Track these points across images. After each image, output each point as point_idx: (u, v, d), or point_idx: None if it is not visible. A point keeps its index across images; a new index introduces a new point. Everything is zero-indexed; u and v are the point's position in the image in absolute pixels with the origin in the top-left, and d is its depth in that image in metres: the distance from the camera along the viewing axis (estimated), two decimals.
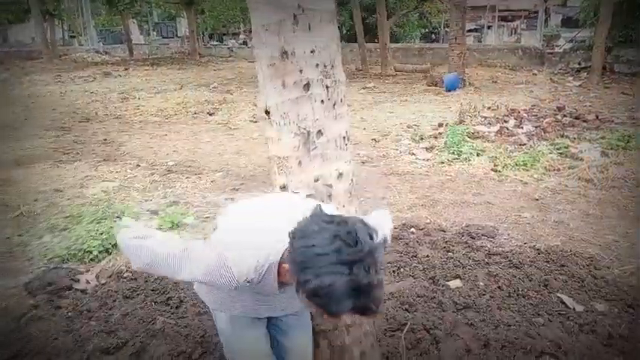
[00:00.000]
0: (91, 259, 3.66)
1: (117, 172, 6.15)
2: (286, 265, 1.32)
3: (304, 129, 1.54)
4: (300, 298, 1.25)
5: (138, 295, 3.23)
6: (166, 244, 1.49)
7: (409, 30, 23.08)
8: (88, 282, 3.34)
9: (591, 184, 5.15)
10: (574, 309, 2.92)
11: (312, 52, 1.50)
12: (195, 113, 10.27)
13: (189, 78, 16.53)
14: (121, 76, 17.62)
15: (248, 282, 1.38)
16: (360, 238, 1.19)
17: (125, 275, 3.49)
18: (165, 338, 2.76)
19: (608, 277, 3.28)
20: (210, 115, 10.05)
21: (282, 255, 1.37)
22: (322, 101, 1.54)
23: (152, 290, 3.27)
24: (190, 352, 2.63)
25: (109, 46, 31.61)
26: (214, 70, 19.37)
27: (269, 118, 1.59)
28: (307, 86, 1.52)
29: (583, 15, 14.67)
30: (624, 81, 12.46)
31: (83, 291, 3.28)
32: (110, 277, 3.47)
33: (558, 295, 3.06)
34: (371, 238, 1.22)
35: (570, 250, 3.67)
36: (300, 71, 1.50)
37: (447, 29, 23.16)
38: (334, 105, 1.57)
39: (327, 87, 1.54)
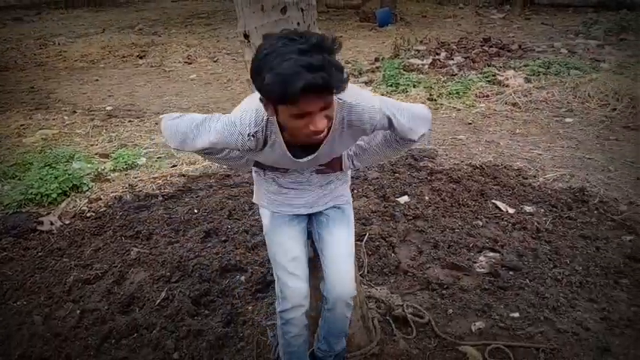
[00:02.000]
0: (50, 202, 3.68)
1: (53, 119, 5.98)
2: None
3: None
4: (266, 108, 1.34)
5: (106, 231, 3.33)
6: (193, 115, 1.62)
7: None
8: (51, 223, 3.39)
9: (517, 107, 5.61)
10: (507, 211, 3.34)
11: None
12: (124, 57, 9.89)
13: (111, 20, 15.62)
14: (33, 21, 16.35)
15: (253, 136, 1.46)
16: (308, 35, 1.24)
17: (88, 215, 3.57)
18: (143, 265, 2.92)
19: (534, 185, 3.74)
20: (141, 58, 9.72)
21: None
22: (298, 23, 1.69)
23: (119, 226, 3.37)
24: (169, 275, 2.80)
25: None
26: (136, 11, 18.34)
27: (248, 42, 1.73)
28: (284, 10, 1.66)
29: None
30: (544, 12, 13.10)
31: (48, 232, 3.33)
32: (74, 217, 3.52)
33: (493, 201, 3.47)
34: (323, 41, 1.23)
35: (501, 164, 4.10)
36: None
37: None
38: (309, 27, 1.72)
39: (302, 10, 1.69)
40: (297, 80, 1.17)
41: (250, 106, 1.49)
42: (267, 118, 1.45)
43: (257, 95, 1.36)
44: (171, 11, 17.72)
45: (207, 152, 1.68)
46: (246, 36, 1.73)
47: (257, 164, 1.79)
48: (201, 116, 1.58)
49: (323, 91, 1.24)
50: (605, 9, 12.47)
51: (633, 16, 10.06)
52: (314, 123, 1.30)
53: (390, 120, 1.55)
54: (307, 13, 1.72)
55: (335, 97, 1.36)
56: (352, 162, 1.82)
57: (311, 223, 1.89)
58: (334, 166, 1.78)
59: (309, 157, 1.56)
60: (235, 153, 1.72)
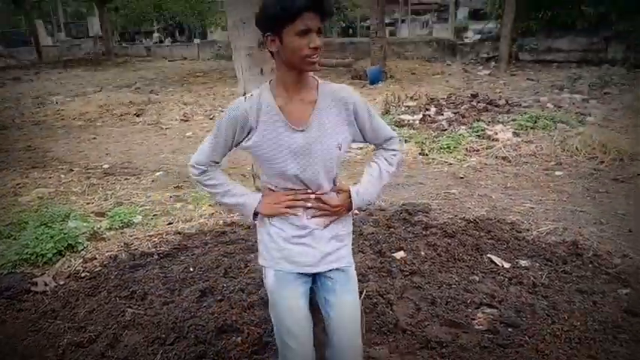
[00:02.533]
0: (45, 262, 3.65)
1: (49, 177, 6.02)
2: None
3: None
4: (271, 44, 1.57)
5: (100, 292, 3.30)
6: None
7: (329, 25, 23.59)
8: (46, 284, 3.36)
9: (507, 161, 5.73)
10: (503, 266, 3.36)
11: None
12: (121, 115, 10.08)
13: (108, 79, 16.01)
14: (32, 80, 16.75)
15: (251, 95, 1.66)
16: None
17: (83, 275, 3.54)
18: (137, 327, 2.87)
19: (528, 238, 3.77)
20: (138, 116, 9.91)
21: (270, 83, 1.69)
22: None
23: (114, 286, 3.34)
24: (164, 337, 2.76)
25: (12, 49, 29.67)
26: (133, 70, 18.84)
27: None
28: None
29: (489, 8, 15.76)
30: (528, 68, 13.60)
31: (43, 293, 3.29)
32: (68, 277, 3.50)
33: (488, 256, 3.49)
34: None
35: (495, 218, 4.15)
36: None
37: (362, 23, 23.91)
38: None
39: None
40: None
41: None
42: (261, 87, 1.67)
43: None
44: (168, 70, 18.20)
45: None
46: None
47: (257, 215, 1.84)
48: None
49: (320, 9, 1.53)
50: (588, 64, 12.96)
51: (615, 70, 10.45)
52: (313, 40, 1.53)
53: (369, 113, 1.77)
54: None
55: (320, 81, 1.70)
56: (357, 193, 1.83)
57: (315, 285, 1.89)
58: (335, 200, 1.79)
59: (312, 124, 1.68)
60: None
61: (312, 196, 1.77)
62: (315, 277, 1.87)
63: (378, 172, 1.88)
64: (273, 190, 1.81)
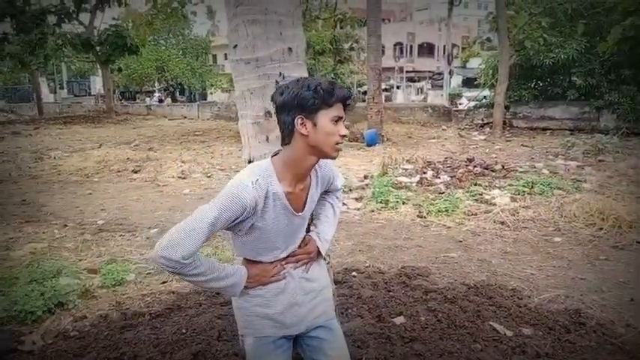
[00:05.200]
0: (34, 320, 3.53)
1: (43, 232, 5.94)
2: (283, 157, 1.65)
3: None
4: (302, 127, 1.59)
5: (89, 352, 3.17)
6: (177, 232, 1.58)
7: None
8: (33, 343, 3.23)
9: (505, 226, 5.72)
10: (505, 334, 3.26)
11: None
12: (119, 171, 10.11)
13: (108, 136, 16.21)
14: (31, 135, 16.93)
15: (256, 182, 1.59)
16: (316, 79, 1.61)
17: (72, 334, 3.41)
18: None
19: (530, 305, 3.70)
20: (135, 172, 9.94)
21: (273, 164, 1.66)
22: None
23: (103, 347, 3.22)
24: None
25: (14, 104, 30.20)
26: (133, 128, 19.13)
27: None
28: None
29: (483, 77, 16.31)
30: (522, 134, 13.90)
31: (30, 352, 3.17)
32: (57, 336, 3.37)
33: (490, 323, 3.41)
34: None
35: (495, 284, 4.08)
36: None
37: (359, 89, 24.61)
38: None
39: None
40: (340, 89, 1.61)
41: (243, 172, 1.64)
42: (265, 170, 1.64)
43: (245, 171, 1.64)
44: (167, 129, 18.49)
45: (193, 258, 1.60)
46: (250, 162, 1.82)
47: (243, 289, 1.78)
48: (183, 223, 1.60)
49: (348, 105, 1.65)
50: (581, 132, 13.26)
51: (608, 139, 10.67)
52: (342, 129, 1.62)
53: (335, 178, 1.91)
54: None
55: None
56: (319, 238, 1.91)
57: (300, 348, 1.88)
58: (310, 247, 1.86)
59: (307, 208, 1.75)
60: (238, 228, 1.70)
61: (293, 259, 1.83)
62: (298, 341, 1.86)
63: (332, 212, 1.99)
64: (253, 261, 1.79)
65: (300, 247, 1.85)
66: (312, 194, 1.78)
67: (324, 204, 1.99)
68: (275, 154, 1.70)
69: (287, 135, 1.63)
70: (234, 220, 1.60)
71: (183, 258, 1.53)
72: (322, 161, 1.76)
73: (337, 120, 1.61)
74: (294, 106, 1.58)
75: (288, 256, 1.82)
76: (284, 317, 1.79)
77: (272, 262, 1.78)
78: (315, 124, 1.59)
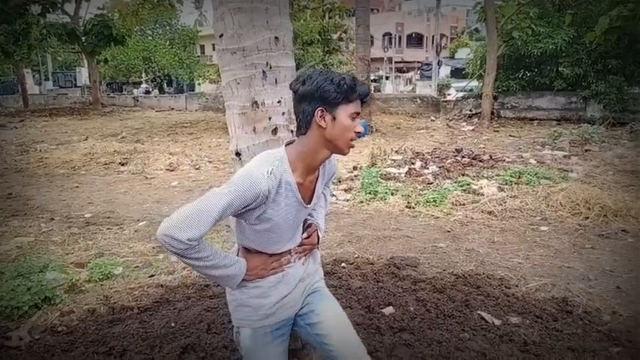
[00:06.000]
0: (21, 316, 3.49)
1: (30, 226, 5.87)
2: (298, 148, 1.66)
3: None
4: (321, 119, 1.59)
5: (77, 347, 3.15)
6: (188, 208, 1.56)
7: None
8: (20, 338, 3.19)
9: (493, 216, 5.75)
10: (493, 323, 3.29)
11: (279, 102, 1.74)
12: (106, 164, 10.00)
13: (94, 128, 16.03)
14: (16, 127, 16.69)
15: (270, 172, 1.57)
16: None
17: (60, 329, 3.38)
18: None
19: (517, 294, 3.73)
20: (123, 165, 9.83)
21: (287, 154, 1.65)
22: None
23: (91, 342, 3.19)
24: None
25: None
26: (120, 119, 18.93)
27: (240, 159, 1.79)
28: (275, 131, 1.76)
29: (471, 68, 16.34)
30: (510, 124, 13.97)
31: (16, 348, 3.13)
32: (44, 332, 3.34)
33: (478, 312, 3.43)
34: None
35: (483, 273, 4.11)
36: (269, 118, 1.73)
37: None
38: None
39: (291, 131, 1.79)
40: (362, 86, 1.62)
41: (258, 159, 1.63)
42: (279, 159, 1.63)
43: (258, 159, 1.63)
44: (155, 120, 18.32)
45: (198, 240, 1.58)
46: (237, 154, 1.80)
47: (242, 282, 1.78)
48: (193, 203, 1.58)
49: (365, 102, 1.67)
50: (567, 122, 13.36)
51: (594, 129, 10.76)
52: (358, 125, 1.64)
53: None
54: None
55: None
56: (321, 230, 1.97)
57: (295, 325, 1.91)
58: (314, 237, 1.90)
59: (314, 199, 1.77)
60: (248, 215, 1.68)
61: (301, 249, 1.85)
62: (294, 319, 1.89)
63: (324, 202, 2.02)
64: (253, 253, 1.78)
65: (302, 237, 1.88)
66: (318, 187, 1.80)
67: (319, 195, 2.01)
68: (288, 144, 1.70)
69: (304, 125, 1.63)
70: (245, 207, 1.59)
71: (189, 239, 1.51)
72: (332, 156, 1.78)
73: (355, 116, 1.63)
74: (315, 98, 1.58)
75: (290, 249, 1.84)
76: (281, 305, 1.80)
77: (272, 255, 1.78)
78: (334, 118, 1.60)
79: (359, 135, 1.67)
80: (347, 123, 1.61)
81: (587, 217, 5.51)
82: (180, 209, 1.54)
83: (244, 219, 1.67)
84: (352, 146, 1.67)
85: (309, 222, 1.91)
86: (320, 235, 1.94)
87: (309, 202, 1.76)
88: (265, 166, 1.59)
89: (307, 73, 1.61)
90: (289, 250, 1.81)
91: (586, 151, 9.45)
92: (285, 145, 1.69)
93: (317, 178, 1.77)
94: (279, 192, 1.61)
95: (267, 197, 1.58)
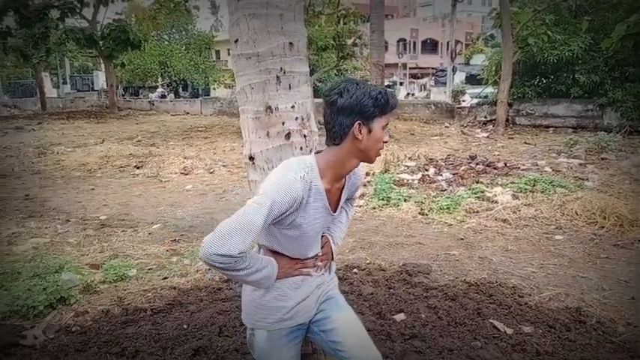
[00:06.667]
0: (36, 315, 3.55)
1: (46, 227, 5.96)
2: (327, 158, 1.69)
3: None
4: (358, 132, 1.63)
5: (90, 347, 3.19)
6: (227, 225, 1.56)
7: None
8: (35, 337, 3.24)
9: (507, 224, 5.71)
10: (505, 332, 3.27)
11: (292, 107, 1.76)
12: (122, 167, 10.12)
13: (111, 132, 16.22)
14: (34, 130, 16.94)
15: (302, 177, 1.61)
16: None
17: (74, 329, 3.43)
18: None
19: (530, 303, 3.70)
20: (138, 168, 9.94)
21: (316, 162, 1.68)
22: (301, 148, 1.80)
23: (104, 342, 3.23)
24: None
25: (17, 99, 30.30)
26: (136, 123, 19.13)
27: (253, 164, 1.81)
28: (288, 135, 1.77)
29: (486, 74, 16.25)
30: (525, 132, 13.84)
31: (31, 347, 3.18)
32: (58, 331, 3.39)
33: (490, 321, 3.41)
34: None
35: (496, 282, 4.08)
36: (283, 123, 1.75)
37: None
38: (310, 151, 1.83)
39: (304, 136, 1.80)
40: (393, 98, 1.68)
41: (287, 165, 1.67)
42: (309, 165, 1.66)
43: (287, 165, 1.67)
44: (170, 124, 18.49)
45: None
46: (251, 158, 1.82)
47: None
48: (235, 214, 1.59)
49: (392, 115, 1.72)
50: (584, 130, 13.21)
51: (611, 137, 10.62)
52: (386, 136, 1.71)
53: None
54: (309, 139, 1.83)
55: None
56: (333, 241, 1.99)
57: (309, 334, 1.93)
58: (327, 248, 1.92)
59: (339, 208, 1.81)
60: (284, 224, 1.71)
61: (321, 263, 1.90)
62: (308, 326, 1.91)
63: (345, 217, 2.06)
64: (278, 254, 1.81)
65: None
66: (343, 196, 1.84)
67: (340, 210, 2.02)
68: (317, 152, 1.74)
69: (339, 136, 1.66)
70: (282, 214, 1.61)
71: (239, 253, 1.52)
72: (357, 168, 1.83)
73: (385, 127, 1.70)
74: (355, 111, 1.62)
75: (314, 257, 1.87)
76: (297, 310, 1.83)
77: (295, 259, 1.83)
78: (370, 131, 1.65)
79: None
80: (379, 135, 1.67)
81: (603, 227, 5.44)
82: (222, 226, 1.54)
83: (275, 225, 1.69)
84: (380, 155, 1.73)
85: (324, 238, 1.94)
86: (333, 249, 1.97)
87: (334, 211, 1.79)
88: (298, 172, 1.63)
89: (342, 84, 1.65)
90: (315, 256, 1.86)
91: (602, 159, 9.34)
92: (315, 154, 1.73)
93: (343, 187, 1.81)
94: (309, 199, 1.65)
95: (300, 203, 1.62)
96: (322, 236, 1.93)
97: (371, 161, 1.73)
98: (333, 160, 1.68)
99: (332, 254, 1.96)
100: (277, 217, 1.61)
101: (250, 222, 1.52)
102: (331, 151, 1.69)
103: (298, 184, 1.59)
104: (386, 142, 1.71)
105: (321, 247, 1.91)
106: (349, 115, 1.62)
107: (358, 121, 1.62)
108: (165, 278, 4.34)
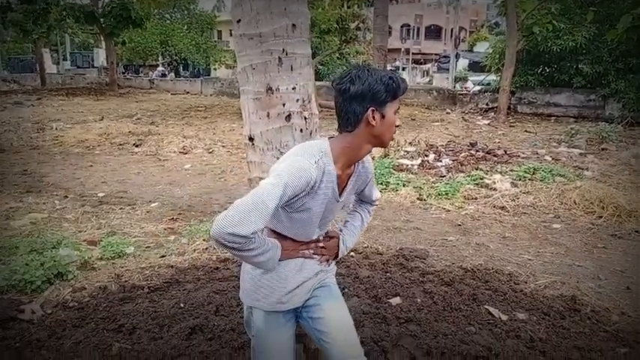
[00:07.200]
0: (33, 290, 3.56)
1: (44, 203, 5.96)
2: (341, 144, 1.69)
3: (285, 154, 1.77)
4: (372, 118, 1.63)
5: (87, 323, 3.21)
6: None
7: (332, 68, 24.10)
8: (33, 312, 3.26)
9: (505, 211, 5.72)
10: (500, 318, 3.29)
11: (293, 88, 1.75)
12: (120, 144, 10.10)
13: (110, 109, 16.14)
14: (33, 105, 16.86)
15: (316, 162, 1.61)
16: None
17: (71, 305, 3.45)
18: None
19: (526, 290, 3.72)
20: (137, 146, 9.92)
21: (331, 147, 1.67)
22: (301, 130, 1.78)
23: (102, 318, 3.25)
24: None
25: (17, 74, 30.11)
26: (136, 101, 19.03)
27: (253, 144, 1.80)
28: (289, 117, 1.76)
29: (489, 62, 16.13)
30: (526, 120, 13.81)
31: (29, 321, 3.20)
32: (56, 306, 3.40)
33: (485, 307, 3.43)
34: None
35: (492, 268, 4.10)
36: (283, 105, 1.74)
37: None
38: (310, 133, 1.82)
39: (305, 118, 1.79)
40: (404, 82, 1.68)
41: (302, 150, 1.66)
42: (323, 151, 1.66)
43: (301, 149, 1.66)
44: (170, 103, 18.40)
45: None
46: (251, 139, 1.81)
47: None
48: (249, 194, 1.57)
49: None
50: (585, 120, 13.18)
51: (612, 127, 10.60)
52: (397, 119, 1.71)
53: (372, 181, 1.96)
54: (310, 121, 1.82)
55: None
56: (342, 242, 1.98)
57: (298, 317, 1.94)
58: (332, 243, 1.92)
59: (345, 194, 1.80)
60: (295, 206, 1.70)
61: (320, 244, 1.89)
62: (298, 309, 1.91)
63: (360, 222, 2.06)
64: (282, 235, 1.81)
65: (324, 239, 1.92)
66: (351, 182, 1.83)
67: (354, 214, 2.08)
68: (330, 137, 1.73)
69: (352, 123, 1.66)
70: (294, 197, 1.61)
71: (252, 233, 1.52)
72: (366, 158, 1.85)
73: (397, 111, 1.70)
74: (367, 98, 1.62)
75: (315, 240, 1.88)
76: (295, 293, 1.84)
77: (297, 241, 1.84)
78: (383, 116, 1.65)
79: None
80: (392, 119, 1.68)
81: (601, 217, 5.45)
82: (235, 206, 1.52)
83: (283, 207, 1.69)
84: (393, 138, 1.75)
85: (332, 233, 1.96)
86: (341, 251, 1.97)
87: (340, 196, 1.79)
88: (312, 157, 1.62)
89: (353, 71, 1.65)
90: (317, 239, 1.87)
91: (602, 149, 9.33)
92: (328, 139, 1.72)
93: (352, 173, 1.81)
94: (321, 184, 1.65)
95: (312, 187, 1.62)
96: (332, 235, 1.95)
97: (385, 145, 1.75)
98: (347, 146, 1.68)
99: (337, 253, 1.95)
100: (288, 200, 1.61)
101: (264, 203, 1.51)
102: (345, 137, 1.68)
103: (313, 169, 1.59)
104: (398, 126, 1.71)
105: (328, 239, 1.92)
106: (362, 101, 1.62)
107: (371, 108, 1.62)
108: (163, 256, 4.36)
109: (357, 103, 1.62)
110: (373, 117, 1.63)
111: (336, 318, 1.86)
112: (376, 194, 2.05)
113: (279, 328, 1.83)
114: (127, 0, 21.34)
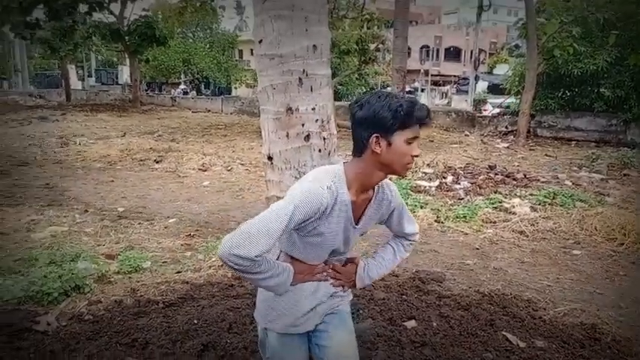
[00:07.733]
0: (50, 302, 3.60)
1: (64, 216, 6.04)
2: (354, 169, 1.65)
3: (303, 173, 1.78)
4: (376, 145, 1.58)
5: (101, 337, 3.22)
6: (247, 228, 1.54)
7: (351, 88, 24.27)
8: (48, 324, 3.29)
9: (524, 236, 5.64)
10: (518, 345, 3.22)
11: (313, 109, 1.77)
12: (141, 160, 10.24)
13: (132, 125, 16.41)
14: (58, 120, 17.22)
15: (328, 187, 1.59)
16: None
17: (86, 318, 3.47)
18: None
19: (545, 318, 3.64)
20: (157, 162, 10.05)
21: (344, 172, 1.65)
22: (320, 150, 1.80)
23: (116, 332, 3.27)
24: None
25: (43, 89, 30.86)
26: (158, 118, 19.33)
27: (271, 163, 1.82)
28: (308, 137, 1.78)
29: (509, 84, 16.08)
30: (547, 144, 13.67)
31: (44, 333, 3.23)
32: (71, 319, 3.43)
33: (503, 333, 3.37)
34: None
35: (510, 294, 4.03)
36: (303, 125, 1.76)
37: (383, 90, 24.60)
38: (329, 153, 1.83)
39: (324, 139, 1.81)
40: (421, 110, 1.60)
41: (315, 174, 1.65)
42: (337, 176, 1.64)
43: (314, 174, 1.64)
44: (190, 121, 18.65)
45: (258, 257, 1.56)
46: (270, 158, 1.83)
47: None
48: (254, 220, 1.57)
49: (425, 127, 1.64)
50: (606, 145, 13.00)
51: (634, 153, 10.45)
52: (416, 148, 1.63)
53: (401, 213, 1.88)
54: (328, 141, 1.83)
55: None
56: (363, 270, 1.93)
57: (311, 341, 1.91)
58: (350, 268, 1.88)
59: (363, 221, 1.75)
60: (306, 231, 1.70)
61: (336, 267, 1.87)
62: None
63: (392, 256, 2.00)
64: (296, 259, 1.80)
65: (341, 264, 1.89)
66: (370, 209, 1.78)
67: (386, 246, 2.03)
68: (346, 162, 1.72)
69: (359, 148, 1.64)
70: (304, 221, 1.60)
71: (257, 256, 1.51)
72: (387, 183, 1.80)
73: (412, 141, 1.63)
74: (371, 124, 1.58)
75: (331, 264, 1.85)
76: (308, 317, 1.82)
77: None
78: (389, 144, 1.60)
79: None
80: (403, 149, 1.61)
81: (622, 244, 5.34)
82: (243, 227, 1.53)
83: (296, 231, 1.69)
84: (409, 169, 1.67)
85: (353, 258, 1.93)
86: (360, 279, 1.94)
87: (357, 223, 1.76)
88: (325, 181, 1.61)
89: (366, 96, 1.62)
90: (333, 264, 1.85)
91: (624, 175, 9.18)
92: (343, 163, 1.71)
93: (370, 200, 1.77)
94: (334, 208, 1.63)
95: (324, 212, 1.61)
96: (352, 261, 1.92)
97: (398, 174, 1.69)
98: (358, 171, 1.66)
99: (354, 280, 1.93)
100: (299, 224, 1.60)
101: (271, 226, 1.51)
102: (358, 162, 1.66)
103: (325, 194, 1.57)
104: (416, 155, 1.64)
105: (346, 264, 1.89)
106: (367, 127, 1.59)
107: (375, 134, 1.59)
108: (179, 272, 4.37)
109: (363, 129, 1.60)
110: (378, 144, 1.59)
111: (339, 350, 1.84)
112: (410, 228, 1.96)
113: (295, 350, 1.82)
114: (152, 19, 21.86)
